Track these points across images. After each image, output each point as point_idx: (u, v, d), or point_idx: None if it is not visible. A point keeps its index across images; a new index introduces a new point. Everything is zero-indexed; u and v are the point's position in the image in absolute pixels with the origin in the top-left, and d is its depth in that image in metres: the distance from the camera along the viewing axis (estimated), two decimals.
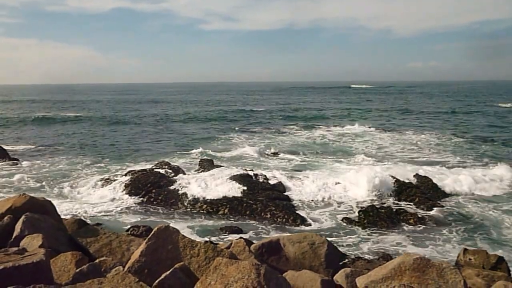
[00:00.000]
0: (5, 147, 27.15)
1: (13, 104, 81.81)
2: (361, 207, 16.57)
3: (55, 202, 14.28)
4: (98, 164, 24.73)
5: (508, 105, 74.49)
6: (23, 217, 7.23)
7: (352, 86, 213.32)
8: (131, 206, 16.89)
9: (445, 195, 18.63)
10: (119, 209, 16.56)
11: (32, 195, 8.28)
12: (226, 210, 16.41)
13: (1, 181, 20.49)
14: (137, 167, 22.64)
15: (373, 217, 15.52)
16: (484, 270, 8.87)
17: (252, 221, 15.48)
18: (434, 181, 19.71)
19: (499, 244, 13.56)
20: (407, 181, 19.28)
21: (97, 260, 6.56)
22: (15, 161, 24.61)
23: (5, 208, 7.59)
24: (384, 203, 17.27)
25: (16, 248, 6.28)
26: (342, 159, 26.67)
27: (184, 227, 14.38)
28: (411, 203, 17.35)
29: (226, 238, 13.45)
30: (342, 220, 15.57)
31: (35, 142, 32.63)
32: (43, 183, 20.06)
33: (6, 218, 7.38)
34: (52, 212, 8.07)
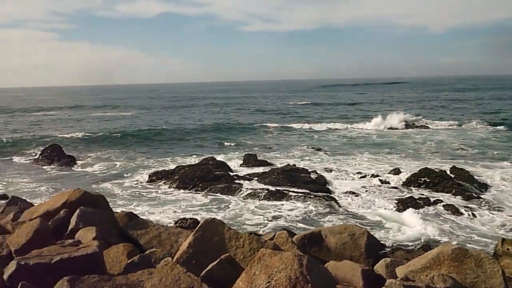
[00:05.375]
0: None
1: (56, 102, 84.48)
2: (400, 198, 16.22)
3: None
4: (149, 160, 25.15)
5: None
6: (77, 210, 7.31)
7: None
8: (180, 199, 17.02)
9: (481, 186, 18.00)
10: (169, 202, 16.72)
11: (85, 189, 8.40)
12: (271, 205, 16.33)
13: (61, 177, 21.16)
14: (183, 162, 22.92)
15: (411, 207, 15.14)
16: None
17: (294, 213, 15.32)
18: (470, 173, 19.17)
19: None
20: (443, 173, 18.78)
21: (147, 252, 6.56)
22: (71, 158, 25.17)
23: (61, 202, 7.70)
24: (423, 194, 16.88)
25: (71, 240, 6.35)
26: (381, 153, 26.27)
27: (228, 219, 14.39)
28: (448, 194, 16.88)
29: (269, 229, 13.38)
30: (381, 211, 15.25)
31: (90, 139, 33.42)
32: (98, 180, 20.48)
33: (62, 211, 7.48)
34: (104, 206, 8.14)
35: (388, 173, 20.08)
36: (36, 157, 25.67)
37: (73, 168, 23.45)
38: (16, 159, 26.33)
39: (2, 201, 14.43)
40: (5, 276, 4.88)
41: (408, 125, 39.74)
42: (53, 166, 23.70)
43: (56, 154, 24.99)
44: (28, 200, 13.78)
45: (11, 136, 36.53)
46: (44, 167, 23.72)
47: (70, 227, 7.14)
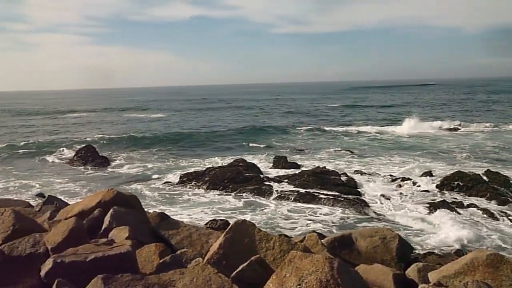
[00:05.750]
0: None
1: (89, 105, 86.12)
2: (432, 202, 15.94)
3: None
4: (180, 161, 25.44)
5: None
6: (111, 210, 7.45)
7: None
8: (210, 201, 17.13)
9: None
10: (199, 203, 16.85)
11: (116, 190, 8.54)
12: (300, 207, 16.28)
13: (95, 177, 21.61)
14: (213, 163, 23.11)
15: (444, 211, 14.85)
16: None
17: (324, 216, 15.23)
18: (507, 177, 18.65)
19: None
20: (478, 176, 18.34)
21: (178, 252, 6.64)
22: (104, 159, 25.63)
23: (95, 202, 7.86)
24: (456, 198, 16.54)
25: (105, 239, 6.47)
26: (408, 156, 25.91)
27: (257, 220, 14.40)
28: (482, 198, 16.48)
29: (298, 231, 13.35)
30: (413, 214, 15.01)
31: (122, 141, 33.94)
32: (130, 180, 20.82)
33: (96, 211, 7.64)
34: (137, 206, 8.27)
35: (420, 176, 19.75)
36: (71, 157, 26.25)
37: (106, 169, 23.90)
38: (51, 159, 26.96)
39: (39, 200, 14.83)
40: (42, 273, 5.02)
41: (441, 128, 39.05)
42: (87, 167, 24.20)
43: (90, 155, 25.49)
44: (63, 199, 14.11)
45: (47, 137, 37.49)
46: (79, 167, 24.25)
47: (103, 226, 7.28)
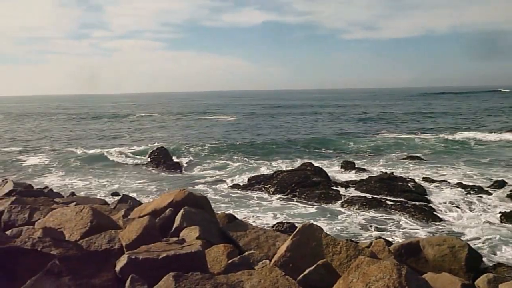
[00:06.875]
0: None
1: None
2: (504, 211, 15.13)
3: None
4: (248, 164, 25.70)
5: None
6: (182, 210, 7.62)
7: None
8: (277, 204, 17.17)
9: None
10: (267, 206, 16.94)
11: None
12: (367, 213, 15.97)
13: (167, 178, 22.28)
14: (281, 167, 23.16)
15: None
16: None
17: (390, 222, 14.86)
18: None
19: None
20: None
21: (246, 253, 6.69)
22: (176, 161, 26.37)
23: (167, 202, 8.07)
24: None
25: (176, 238, 6.64)
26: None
27: (324, 224, 14.27)
28: None
29: (365, 237, 13.10)
30: (483, 223, 14.33)
31: (190, 144, 34.73)
32: (200, 182, 21.28)
33: (167, 210, 7.85)
34: (206, 207, 8.41)
35: (491, 185, 18.80)
36: (145, 159, 27.21)
37: (177, 170, 24.57)
38: (126, 160, 28.02)
39: (114, 198, 15.46)
40: (117, 268, 5.20)
41: None
42: (159, 168, 25.00)
43: (163, 157, 26.36)
44: (136, 198, 14.64)
45: (122, 140, 39.11)
46: (152, 168, 25.12)
47: (174, 225, 7.46)
